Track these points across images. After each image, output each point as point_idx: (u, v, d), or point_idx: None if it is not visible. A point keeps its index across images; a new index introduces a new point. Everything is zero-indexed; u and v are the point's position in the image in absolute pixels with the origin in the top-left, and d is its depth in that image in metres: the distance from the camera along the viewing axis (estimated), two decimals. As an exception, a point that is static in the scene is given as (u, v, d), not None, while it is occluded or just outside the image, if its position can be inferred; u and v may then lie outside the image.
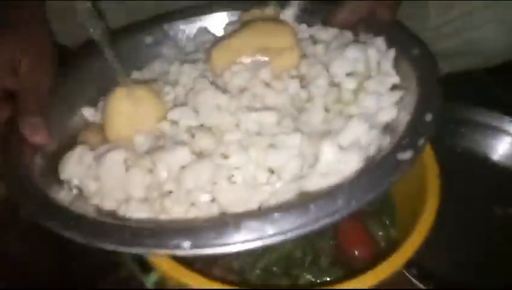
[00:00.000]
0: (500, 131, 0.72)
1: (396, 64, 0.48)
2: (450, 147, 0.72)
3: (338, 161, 0.39)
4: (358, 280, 0.40)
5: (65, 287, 0.63)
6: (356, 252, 0.52)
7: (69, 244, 0.66)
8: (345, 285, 0.40)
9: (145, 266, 0.43)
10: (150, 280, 0.42)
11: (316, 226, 0.34)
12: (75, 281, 0.65)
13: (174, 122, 0.45)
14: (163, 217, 0.39)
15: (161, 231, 0.35)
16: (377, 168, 0.38)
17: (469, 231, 0.65)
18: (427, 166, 0.49)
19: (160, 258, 0.41)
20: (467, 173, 0.70)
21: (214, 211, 0.39)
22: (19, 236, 0.52)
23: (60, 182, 0.44)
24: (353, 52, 0.47)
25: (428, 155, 0.49)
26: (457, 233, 0.64)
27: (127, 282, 0.65)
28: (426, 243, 0.60)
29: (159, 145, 0.44)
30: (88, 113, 0.51)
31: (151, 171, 0.41)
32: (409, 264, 0.60)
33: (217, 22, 0.59)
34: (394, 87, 0.46)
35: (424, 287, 0.59)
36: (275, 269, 0.50)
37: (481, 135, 0.73)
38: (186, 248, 0.34)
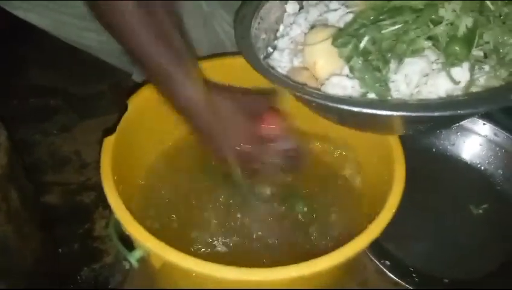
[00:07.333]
0: (472, 132, 0.76)
1: None
2: (426, 146, 0.77)
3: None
4: (324, 259, 0.42)
5: (49, 272, 0.64)
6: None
7: (54, 230, 0.68)
8: (313, 263, 0.42)
9: (129, 243, 0.45)
10: (134, 256, 0.44)
11: None
12: (59, 267, 0.67)
13: None
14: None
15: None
16: None
17: (443, 226, 0.68)
18: (393, 154, 0.53)
19: (144, 236, 0.43)
20: (441, 172, 0.74)
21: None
22: (6, 219, 0.53)
23: None
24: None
25: (396, 147, 0.53)
26: (430, 228, 0.68)
27: (110, 269, 0.67)
28: (402, 237, 0.63)
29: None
30: None
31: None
32: (383, 256, 0.63)
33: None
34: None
35: (397, 279, 0.62)
36: None
37: (455, 136, 0.77)
38: None
